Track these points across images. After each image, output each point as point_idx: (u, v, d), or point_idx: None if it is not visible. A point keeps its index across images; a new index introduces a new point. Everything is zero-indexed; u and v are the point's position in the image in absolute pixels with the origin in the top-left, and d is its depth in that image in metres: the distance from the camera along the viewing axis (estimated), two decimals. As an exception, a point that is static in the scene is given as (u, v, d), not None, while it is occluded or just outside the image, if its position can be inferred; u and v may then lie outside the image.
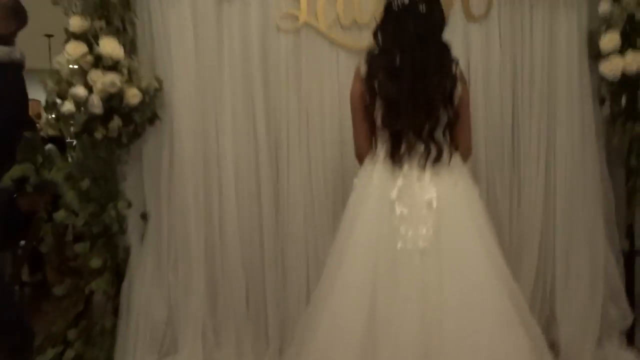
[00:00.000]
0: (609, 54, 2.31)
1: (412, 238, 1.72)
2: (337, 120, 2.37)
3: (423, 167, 1.79)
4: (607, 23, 2.31)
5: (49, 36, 6.41)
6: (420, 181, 1.80)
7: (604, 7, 2.33)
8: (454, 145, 1.91)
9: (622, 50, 2.29)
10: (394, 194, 1.78)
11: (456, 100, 1.83)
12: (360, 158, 1.99)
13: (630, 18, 2.25)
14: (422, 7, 1.79)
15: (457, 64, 1.85)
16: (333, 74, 2.40)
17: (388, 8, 1.86)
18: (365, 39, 2.35)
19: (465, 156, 1.95)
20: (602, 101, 2.43)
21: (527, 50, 2.46)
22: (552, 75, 2.47)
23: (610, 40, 2.29)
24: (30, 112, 5.11)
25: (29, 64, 2.38)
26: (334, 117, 2.38)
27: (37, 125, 2.66)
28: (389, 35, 1.84)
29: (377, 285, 1.70)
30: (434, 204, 1.75)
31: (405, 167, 1.81)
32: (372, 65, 1.84)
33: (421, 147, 1.80)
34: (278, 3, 2.35)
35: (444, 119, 1.81)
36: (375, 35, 1.88)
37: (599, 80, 2.40)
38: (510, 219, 2.48)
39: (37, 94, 2.81)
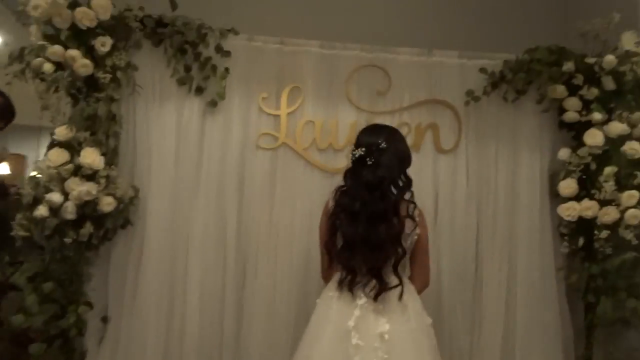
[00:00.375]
0: (567, 198, 2.44)
1: None
2: (306, 237, 2.43)
3: (374, 300, 1.91)
4: (566, 170, 2.46)
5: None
6: (375, 313, 1.92)
7: (563, 155, 2.49)
8: (411, 279, 2.05)
9: (579, 196, 2.42)
10: (351, 323, 1.89)
11: (413, 241, 1.99)
12: (325, 279, 2.13)
13: (586, 168, 2.40)
14: (370, 159, 1.97)
15: (414, 206, 2.02)
16: (306, 192, 2.50)
17: (351, 156, 2.03)
18: (340, 162, 2.49)
19: (421, 290, 2.08)
20: (562, 237, 2.54)
21: (492, 184, 2.60)
22: (515, 210, 2.59)
23: (567, 186, 2.43)
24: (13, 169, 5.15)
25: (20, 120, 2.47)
26: (303, 234, 2.45)
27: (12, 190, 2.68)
28: (351, 180, 2.01)
29: None
30: (386, 337, 1.86)
31: (363, 298, 1.93)
32: (337, 204, 2.02)
33: (372, 282, 1.93)
34: (259, 124, 2.49)
35: (394, 256, 1.95)
36: (345, 175, 2.05)
37: (560, 217, 2.51)
38: (471, 350, 2.50)
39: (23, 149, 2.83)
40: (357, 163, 2.00)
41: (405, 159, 2.07)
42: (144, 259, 2.34)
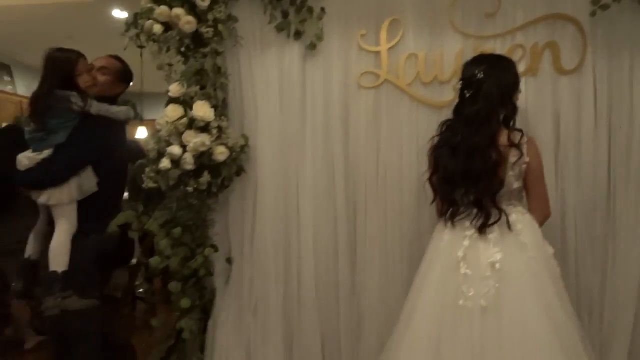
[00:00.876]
0: None
1: (473, 297, 1.84)
2: (415, 175, 2.38)
3: (479, 232, 1.93)
4: None
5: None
6: (486, 243, 1.92)
7: None
8: (530, 210, 2.01)
9: None
10: (460, 253, 1.92)
11: (522, 170, 1.94)
12: (439, 215, 2.11)
13: None
14: (468, 92, 1.96)
15: (521, 134, 1.94)
16: (413, 129, 2.42)
17: (460, 89, 2.01)
18: (446, 96, 2.37)
19: (542, 221, 2.02)
20: None
21: (626, 106, 2.30)
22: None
23: None
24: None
25: (152, 88, 2.66)
26: (413, 172, 2.40)
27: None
28: (454, 114, 2.01)
29: (441, 339, 1.86)
30: (497, 266, 1.86)
31: (471, 230, 1.95)
32: (440, 138, 2.02)
33: (478, 214, 1.94)
34: (359, 62, 2.43)
35: (497, 187, 1.92)
36: (454, 111, 2.03)
37: None
38: (602, 290, 2.31)
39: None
40: (460, 97, 2.00)
41: (508, 89, 1.98)
42: (259, 204, 2.46)
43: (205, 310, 2.47)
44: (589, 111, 2.31)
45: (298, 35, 2.43)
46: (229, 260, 2.51)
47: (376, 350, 2.36)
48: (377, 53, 2.43)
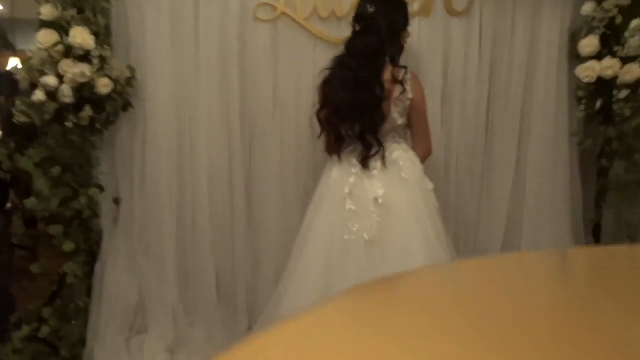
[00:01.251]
0: (587, 58, 2.28)
1: (357, 231, 1.95)
2: (312, 111, 2.36)
3: (362, 165, 2.01)
4: (589, 26, 2.28)
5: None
6: (370, 179, 2.01)
7: (587, 9, 2.28)
8: (414, 147, 2.11)
9: (600, 55, 2.26)
10: (346, 190, 2.01)
11: (405, 106, 2.01)
12: (328, 152, 2.16)
13: (611, 23, 2.21)
14: (357, 26, 2.01)
15: (405, 71, 2.00)
16: (310, 64, 2.39)
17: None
18: (343, 32, 2.34)
19: (424, 157, 2.12)
20: (578, 101, 2.42)
21: (507, 47, 2.44)
22: (531, 75, 2.46)
23: (589, 44, 2.26)
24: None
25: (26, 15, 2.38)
26: (309, 108, 2.37)
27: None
28: (345, 49, 2.03)
29: (330, 271, 1.97)
30: (380, 201, 1.97)
31: (357, 166, 2.03)
32: (330, 73, 2.04)
33: (360, 147, 2.02)
34: (256, -7, 2.32)
35: (379, 121, 1.98)
36: (345, 45, 2.05)
37: (577, 81, 2.38)
38: (478, 217, 2.51)
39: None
40: (352, 32, 2.02)
41: (397, 27, 2.04)
42: (149, 141, 2.33)
43: (91, 253, 2.34)
44: (474, 51, 2.42)
45: (189, -42, 2.25)
46: (116, 201, 2.37)
47: (273, 285, 2.41)
48: (274, -17, 2.33)
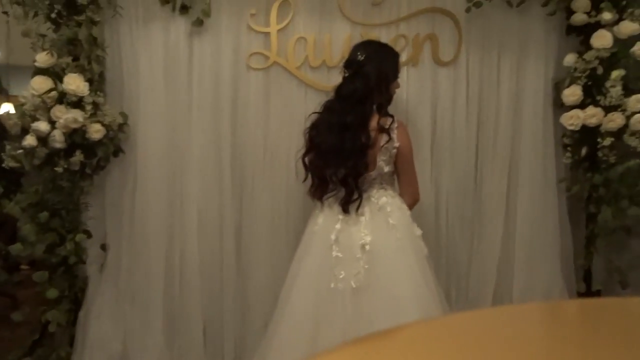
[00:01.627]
0: (571, 107, 2.34)
1: (344, 279, 1.92)
2: (298, 155, 2.39)
3: (343, 210, 1.99)
4: (571, 76, 2.35)
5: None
6: (357, 225, 1.99)
7: (569, 60, 2.37)
8: (401, 194, 2.11)
9: (583, 104, 2.33)
10: (332, 236, 1.98)
11: (392, 154, 2.02)
12: (311, 195, 2.16)
13: (593, 73, 2.28)
14: (346, 72, 2.04)
15: (392, 119, 2.02)
16: (300, 111, 2.42)
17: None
18: (334, 80, 2.39)
19: (411, 204, 2.12)
20: (564, 148, 2.47)
21: (493, 96, 2.50)
22: (517, 122, 2.51)
23: (572, 93, 2.32)
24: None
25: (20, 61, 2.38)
26: (300, 155, 2.40)
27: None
28: (334, 94, 2.07)
29: (318, 321, 1.93)
30: (367, 248, 1.95)
31: (344, 212, 2.01)
32: (318, 117, 2.06)
33: (342, 192, 2.01)
34: (248, 42, 2.38)
35: (362, 169, 1.99)
36: (335, 90, 2.09)
37: (563, 128, 2.43)
38: (469, 263, 2.51)
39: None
40: (342, 78, 2.06)
41: (386, 76, 2.07)
42: (139, 186, 2.33)
43: (76, 300, 2.29)
44: (462, 101, 2.47)
45: (184, 9, 2.31)
46: (104, 247, 2.34)
47: (261, 336, 2.36)
48: (267, 34, 2.39)
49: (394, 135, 2.00)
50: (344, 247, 1.96)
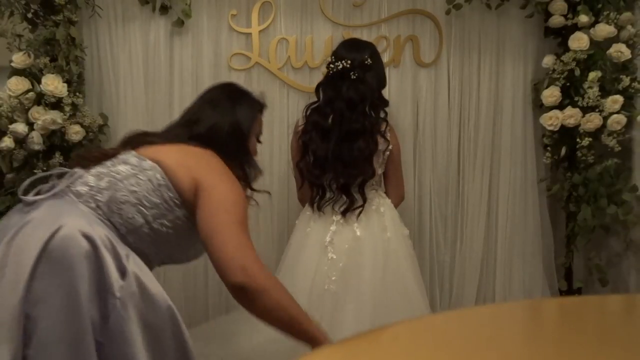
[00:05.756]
0: (550, 107, 2.38)
1: (336, 280, 1.92)
2: (285, 159, 2.39)
3: (343, 216, 1.98)
4: (550, 78, 2.38)
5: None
6: (351, 226, 1.98)
7: (547, 62, 2.40)
8: (387, 193, 2.11)
9: (562, 105, 2.36)
10: (327, 238, 1.97)
11: (385, 157, 2.02)
12: (301, 201, 2.17)
13: (570, 75, 2.32)
14: (354, 74, 1.93)
15: (386, 123, 2.01)
16: (283, 113, 2.43)
17: (328, 69, 1.99)
18: (316, 81, 2.38)
19: (397, 203, 2.13)
20: (544, 149, 2.50)
21: (474, 96, 2.53)
22: (497, 122, 2.54)
23: (550, 94, 2.36)
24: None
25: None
26: (282, 156, 2.41)
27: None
28: (326, 95, 1.99)
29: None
30: (358, 233, 1.96)
31: (338, 215, 2.00)
32: (308, 121, 2.00)
33: (342, 199, 1.98)
34: (230, 43, 2.37)
35: (364, 175, 1.97)
36: (317, 90, 2.03)
37: (542, 128, 2.47)
38: (452, 262, 2.53)
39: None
40: (337, 77, 1.95)
41: (383, 79, 2.07)
42: (121, 188, 2.29)
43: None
44: (443, 102, 2.50)
45: (164, 9, 2.30)
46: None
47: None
48: (248, 35, 2.39)
49: (388, 138, 2.01)
50: (338, 248, 1.95)
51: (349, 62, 1.94)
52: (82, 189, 1.24)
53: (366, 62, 1.96)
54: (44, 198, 1.23)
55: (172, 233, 1.28)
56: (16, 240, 1.13)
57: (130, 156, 1.30)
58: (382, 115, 2.03)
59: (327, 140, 1.93)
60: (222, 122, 1.41)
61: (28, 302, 1.07)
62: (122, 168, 1.27)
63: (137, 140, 1.39)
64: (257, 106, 1.53)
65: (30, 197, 1.24)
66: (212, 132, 1.39)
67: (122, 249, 1.17)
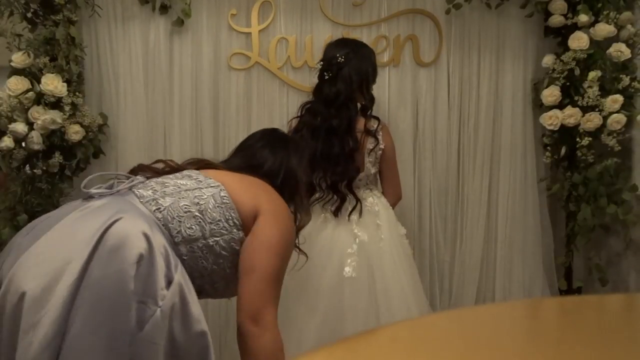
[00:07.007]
0: (549, 107, 2.38)
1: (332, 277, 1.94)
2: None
3: (334, 215, 1.99)
4: (549, 77, 2.39)
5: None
6: (348, 225, 2.00)
7: (547, 61, 2.40)
8: (384, 193, 2.12)
9: (561, 104, 2.36)
10: (325, 239, 1.99)
11: (377, 156, 2.03)
12: None
13: (570, 75, 2.32)
14: (328, 74, 1.99)
15: (378, 121, 2.03)
16: (283, 112, 2.42)
17: (320, 69, 2.04)
18: (315, 80, 2.38)
19: (394, 203, 2.14)
20: (544, 148, 2.51)
21: (474, 96, 2.53)
22: (497, 122, 2.55)
23: (550, 94, 2.36)
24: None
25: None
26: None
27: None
28: (314, 96, 2.04)
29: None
30: (361, 237, 1.97)
31: (326, 213, 2.02)
32: (300, 120, 2.03)
33: (335, 198, 2.00)
34: (229, 43, 2.37)
35: (353, 173, 1.98)
36: (313, 92, 2.07)
37: (542, 128, 2.47)
38: (452, 262, 2.53)
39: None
40: (320, 78, 2.01)
41: (366, 76, 2.04)
42: (120, 188, 2.29)
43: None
44: (443, 101, 2.50)
45: (164, 9, 2.30)
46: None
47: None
48: (248, 34, 2.39)
49: (380, 137, 2.02)
50: (335, 248, 1.97)
51: (321, 63, 2.02)
52: (146, 192, 1.23)
53: (338, 60, 1.98)
54: (105, 193, 1.22)
55: (224, 255, 1.24)
56: (77, 222, 1.12)
57: (195, 173, 1.31)
58: (368, 113, 2.04)
59: (315, 139, 1.96)
60: (281, 165, 1.45)
61: (82, 280, 1.04)
62: (186, 181, 1.27)
63: (199, 163, 1.41)
64: (306, 154, 1.60)
65: (92, 190, 1.24)
66: (271, 172, 1.43)
67: (174, 259, 1.13)
